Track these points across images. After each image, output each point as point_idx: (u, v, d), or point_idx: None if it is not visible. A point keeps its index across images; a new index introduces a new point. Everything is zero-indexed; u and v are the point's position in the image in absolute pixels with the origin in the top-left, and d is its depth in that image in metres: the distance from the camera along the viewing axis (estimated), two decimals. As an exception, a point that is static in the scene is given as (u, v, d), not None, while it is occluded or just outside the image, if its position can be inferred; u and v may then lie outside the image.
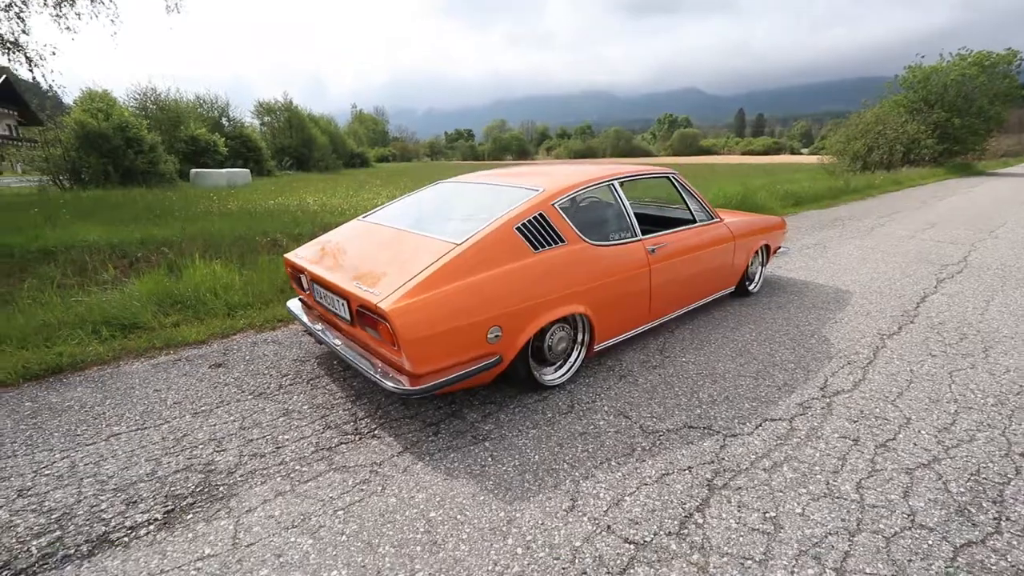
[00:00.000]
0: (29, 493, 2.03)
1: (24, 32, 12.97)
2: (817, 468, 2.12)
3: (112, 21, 14.05)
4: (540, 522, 1.84)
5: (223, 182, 19.44)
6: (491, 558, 1.69)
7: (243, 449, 2.31)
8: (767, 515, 1.86)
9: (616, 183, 3.25)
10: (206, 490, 2.04)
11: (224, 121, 30.12)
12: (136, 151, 17.89)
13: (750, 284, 4.55)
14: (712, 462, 2.18)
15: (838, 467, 2.13)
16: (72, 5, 13.60)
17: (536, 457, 2.22)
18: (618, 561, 1.67)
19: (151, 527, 1.84)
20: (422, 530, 1.81)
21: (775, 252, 4.77)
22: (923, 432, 2.38)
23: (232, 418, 2.57)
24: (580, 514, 1.88)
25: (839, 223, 8.69)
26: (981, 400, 2.68)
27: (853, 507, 1.89)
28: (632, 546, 1.73)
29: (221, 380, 3.00)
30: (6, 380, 2.95)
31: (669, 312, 3.57)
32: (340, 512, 1.90)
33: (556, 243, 2.73)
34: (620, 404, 2.68)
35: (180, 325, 3.83)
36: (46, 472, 2.17)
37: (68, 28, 13.28)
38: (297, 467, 2.17)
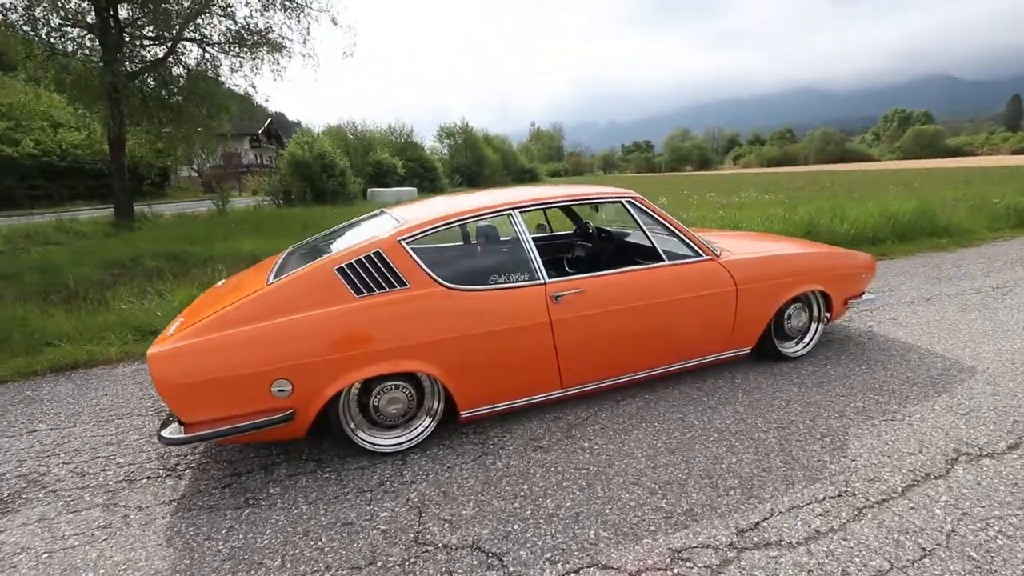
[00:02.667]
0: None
1: (252, 86, 16.73)
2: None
3: (314, 69, 17.52)
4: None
5: (392, 199, 22.24)
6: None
7: (53, 469, 2.46)
8: None
9: (517, 213, 2.65)
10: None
11: (414, 142, 34.58)
12: (329, 175, 21.62)
13: (791, 344, 3.32)
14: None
15: None
16: (290, 59, 17.26)
17: (263, 543, 1.89)
18: None
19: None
20: (76, 603, 1.67)
21: (847, 302, 3.39)
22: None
23: (73, 438, 2.78)
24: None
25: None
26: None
27: None
28: None
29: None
30: (27, 371, 3.70)
31: (603, 378, 2.78)
32: (44, 555, 1.87)
33: (391, 287, 2.33)
34: (433, 493, 2.14)
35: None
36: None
37: (281, 78, 16.78)
38: (77, 494, 2.23)
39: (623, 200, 2.89)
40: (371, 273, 2.32)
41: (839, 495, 2.01)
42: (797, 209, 7.71)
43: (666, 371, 2.97)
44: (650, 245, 2.88)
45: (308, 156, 20.92)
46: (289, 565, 1.77)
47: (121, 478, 2.35)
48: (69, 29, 13.49)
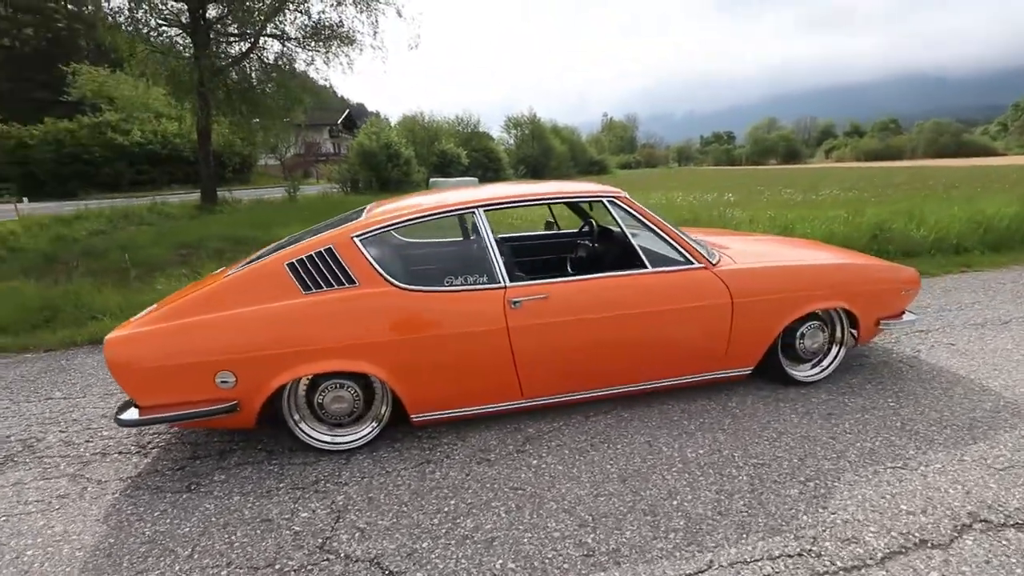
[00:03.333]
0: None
1: (325, 79, 17.60)
2: None
3: (383, 61, 18.25)
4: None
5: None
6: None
7: (48, 436, 2.67)
8: None
9: (481, 211, 2.51)
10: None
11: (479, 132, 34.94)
12: (394, 164, 22.35)
13: (804, 368, 2.93)
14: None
15: None
16: (360, 52, 18.10)
17: (184, 530, 1.92)
18: None
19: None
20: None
21: (880, 323, 2.94)
22: None
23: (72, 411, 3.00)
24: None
25: None
26: None
27: None
28: None
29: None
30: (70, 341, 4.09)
31: (570, 390, 2.59)
32: (3, 518, 2.02)
33: (340, 284, 2.29)
34: (360, 497, 2.08)
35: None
36: (-20, 417, 2.93)
37: (351, 70, 17.60)
38: (56, 461, 2.41)
39: (604, 199, 2.66)
40: (321, 270, 2.29)
41: (799, 554, 1.72)
42: (865, 211, 6.86)
43: (648, 388, 2.72)
44: (634, 249, 2.63)
45: (375, 146, 21.72)
46: (196, 556, 1.80)
47: (97, 451, 2.52)
48: (166, 28, 14.79)
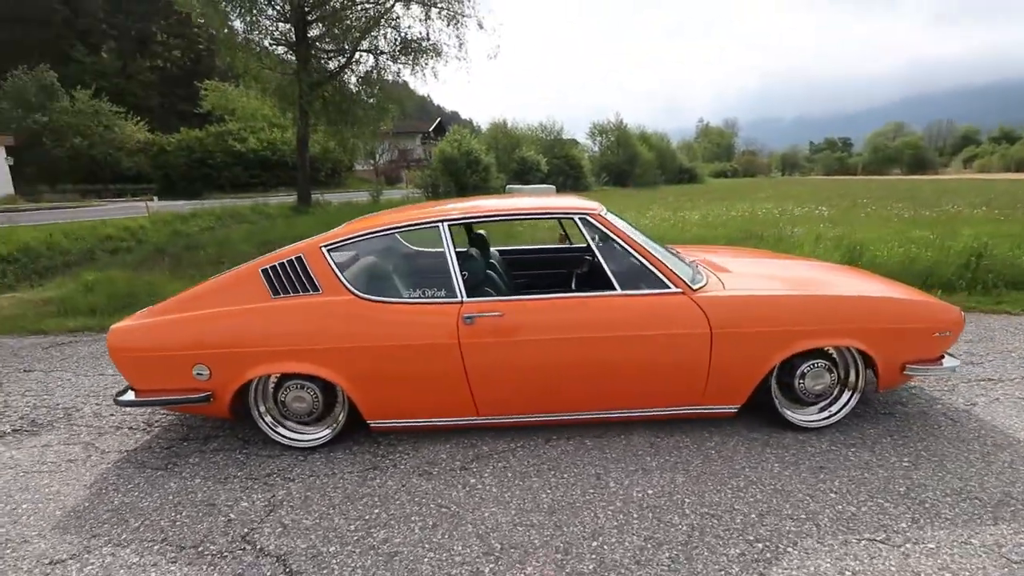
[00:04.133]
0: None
1: (412, 89, 18.65)
2: None
3: (467, 72, 19.16)
4: None
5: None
6: None
7: (85, 407, 3.08)
8: None
9: (445, 226, 2.52)
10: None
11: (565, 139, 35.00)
12: (473, 171, 23.04)
13: (807, 411, 2.61)
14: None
15: None
16: (446, 63, 19.09)
17: (144, 505, 2.15)
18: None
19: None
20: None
21: (907, 368, 2.53)
22: None
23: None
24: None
25: None
26: None
27: None
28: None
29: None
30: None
31: (531, 412, 2.53)
32: (22, 473, 2.39)
33: (305, 291, 2.43)
34: (298, 494, 2.19)
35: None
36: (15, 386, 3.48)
37: (436, 78, 18.52)
38: (80, 430, 2.79)
39: (575, 216, 2.56)
40: (290, 276, 2.45)
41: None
42: (960, 232, 5.90)
43: (619, 417, 2.57)
44: (604, 269, 2.50)
45: (455, 153, 22.53)
46: (141, 529, 2.00)
47: (113, 425, 2.88)
48: (275, 47, 16.48)
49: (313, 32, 16.28)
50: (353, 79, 17.65)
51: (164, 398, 2.46)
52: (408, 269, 2.81)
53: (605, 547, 1.85)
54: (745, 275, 2.84)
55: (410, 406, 2.49)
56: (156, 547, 1.90)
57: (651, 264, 2.46)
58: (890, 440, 2.52)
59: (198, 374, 2.41)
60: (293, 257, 2.47)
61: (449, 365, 2.38)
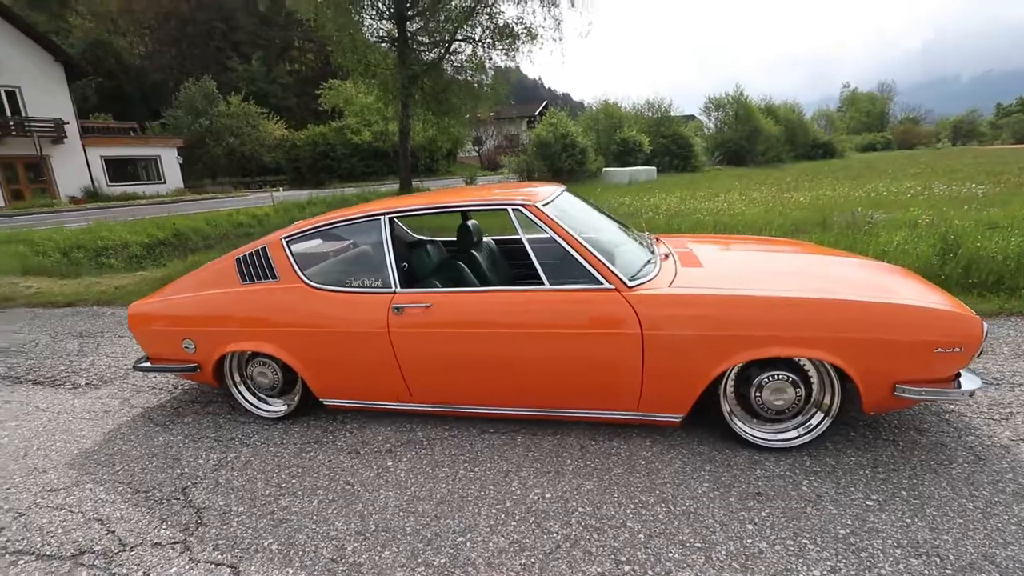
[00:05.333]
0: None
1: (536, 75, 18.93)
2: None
3: (562, 53, 18.89)
4: None
5: (624, 179, 21.97)
6: None
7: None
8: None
9: (386, 220, 2.59)
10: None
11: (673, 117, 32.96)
12: (568, 154, 22.73)
13: (764, 428, 2.29)
14: None
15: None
16: (542, 47, 19.22)
17: (132, 452, 2.58)
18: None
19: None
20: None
21: (900, 387, 2.09)
22: None
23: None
24: None
25: None
26: None
27: None
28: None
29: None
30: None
31: (465, 402, 2.55)
32: (69, 417, 3.00)
33: (266, 279, 2.70)
34: (244, 458, 2.47)
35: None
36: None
37: (532, 62, 18.59)
38: (125, 387, 3.40)
39: (508, 208, 2.48)
40: (256, 265, 2.73)
41: (520, 635, 1.49)
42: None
43: (556, 416, 2.49)
44: (534, 262, 2.40)
45: (550, 136, 22.36)
46: (120, 473, 2.42)
47: (151, 386, 3.46)
48: (379, 44, 17.67)
49: (412, 27, 17.15)
50: (449, 69, 18.32)
51: (166, 366, 2.91)
52: (355, 260, 2.95)
53: (468, 544, 1.85)
54: (714, 272, 2.54)
55: (351, 388, 2.66)
56: (121, 488, 2.30)
57: (583, 258, 2.31)
58: (868, 472, 2.12)
59: (186, 347, 2.81)
60: (259, 248, 2.75)
61: (381, 352, 2.49)
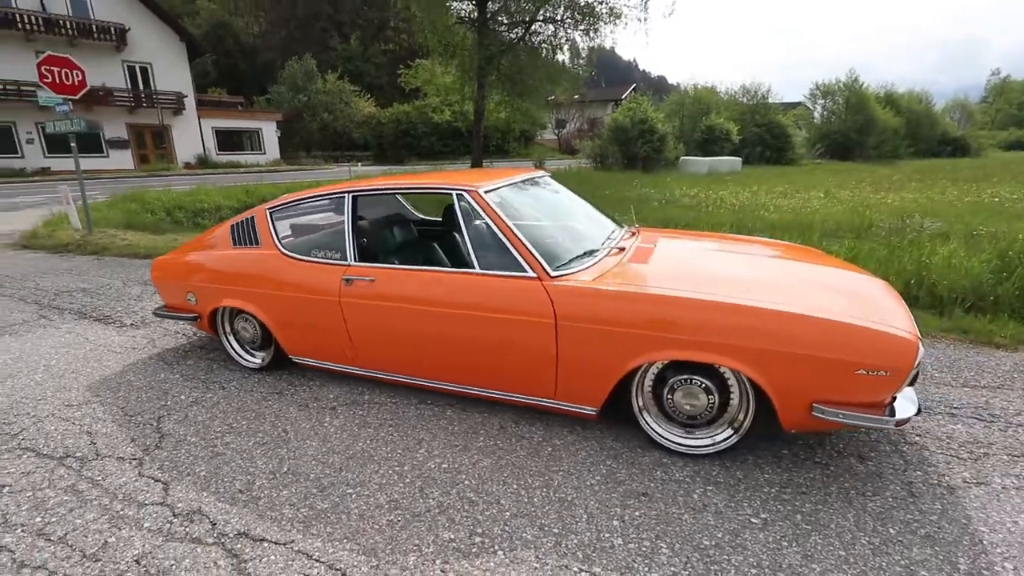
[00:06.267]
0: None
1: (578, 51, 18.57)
2: None
3: (646, 33, 18.10)
4: None
5: (703, 169, 20.80)
6: (35, 395, 2.97)
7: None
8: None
9: (349, 198, 2.79)
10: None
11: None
12: (645, 141, 21.88)
13: (674, 432, 2.24)
14: None
15: None
16: (626, 25, 18.74)
17: (137, 384, 3.06)
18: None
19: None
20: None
21: (815, 407, 1.96)
22: None
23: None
24: None
25: None
26: None
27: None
28: None
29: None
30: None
31: (403, 372, 2.72)
32: (106, 349, 3.58)
33: (251, 244, 3.02)
34: (215, 399, 2.84)
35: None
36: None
37: (615, 42, 18.19)
38: (155, 329, 3.96)
39: (453, 193, 2.57)
40: (245, 231, 3.07)
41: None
42: None
43: (484, 395, 2.59)
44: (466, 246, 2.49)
45: (627, 122, 21.64)
46: (121, 398, 2.88)
47: (177, 331, 3.99)
48: (459, 26, 17.98)
49: (493, 6, 17.25)
50: (526, 51, 18.25)
51: (175, 314, 3.37)
52: (324, 233, 3.17)
53: (353, 496, 2.04)
54: (654, 270, 2.48)
55: (311, 348, 2.94)
56: (115, 410, 2.75)
57: (512, 246, 2.37)
58: (773, 491, 2.02)
59: (189, 299, 3.24)
60: (249, 216, 3.08)
61: (333, 318, 2.73)
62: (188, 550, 1.79)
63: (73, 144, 7.19)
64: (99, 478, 2.20)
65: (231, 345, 3.29)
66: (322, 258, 2.83)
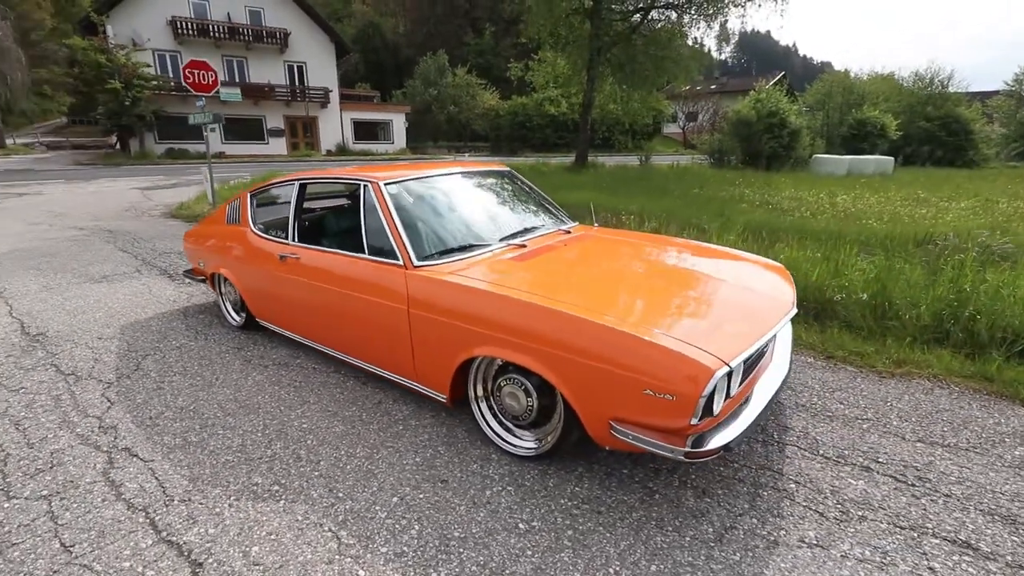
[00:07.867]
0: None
1: (702, 42, 17.36)
2: (25, 413, 2.64)
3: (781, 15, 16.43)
4: None
5: (840, 169, 18.21)
6: (90, 327, 3.90)
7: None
8: None
9: (298, 184, 3.17)
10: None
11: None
12: (772, 136, 19.70)
13: (498, 425, 2.25)
14: None
15: (13, 423, 2.55)
16: (759, 7, 17.27)
17: (167, 347, 3.83)
18: None
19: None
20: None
21: (617, 425, 1.86)
22: None
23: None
24: None
25: None
26: None
27: None
28: None
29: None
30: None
31: (323, 343, 3.05)
32: (151, 301, 4.49)
33: (236, 223, 3.59)
34: (192, 348, 3.45)
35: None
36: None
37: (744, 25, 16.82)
38: (189, 286, 4.83)
39: (360, 183, 2.79)
40: (234, 211, 3.65)
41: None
42: None
43: (377, 372, 2.81)
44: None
45: (753, 115, 19.69)
46: (136, 335, 3.65)
47: (205, 291, 4.80)
48: (573, 18, 17.86)
49: (605, -3, 16.84)
50: (640, 39, 17.55)
51: (194, 277, 4.12)
52: (284, 215, 3.59)
53: (219, 435, 2.42)
54: (528, 268, 2.46)
55: (267, 314, 3.42)
56: (124, 347, 3.51)
57: (390, 234, 2.54)
58: (568, 505, 1.97)
59: (200, 264, 3.94)
60: (237, 199, 3.66)
61: (275, 288, 3.17)
62: (87, 452, 2.32)
63: (206, 133, 8.81)
64: (77, 392, 2.88)
65: (224, 305, 3.93)
66: (273, 236, 3.27)
